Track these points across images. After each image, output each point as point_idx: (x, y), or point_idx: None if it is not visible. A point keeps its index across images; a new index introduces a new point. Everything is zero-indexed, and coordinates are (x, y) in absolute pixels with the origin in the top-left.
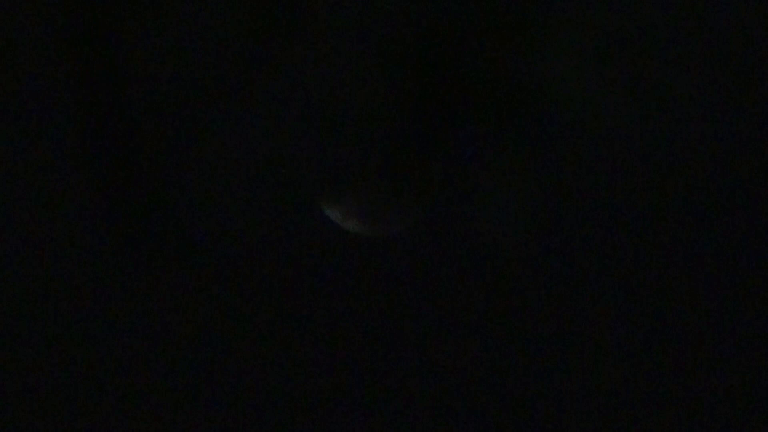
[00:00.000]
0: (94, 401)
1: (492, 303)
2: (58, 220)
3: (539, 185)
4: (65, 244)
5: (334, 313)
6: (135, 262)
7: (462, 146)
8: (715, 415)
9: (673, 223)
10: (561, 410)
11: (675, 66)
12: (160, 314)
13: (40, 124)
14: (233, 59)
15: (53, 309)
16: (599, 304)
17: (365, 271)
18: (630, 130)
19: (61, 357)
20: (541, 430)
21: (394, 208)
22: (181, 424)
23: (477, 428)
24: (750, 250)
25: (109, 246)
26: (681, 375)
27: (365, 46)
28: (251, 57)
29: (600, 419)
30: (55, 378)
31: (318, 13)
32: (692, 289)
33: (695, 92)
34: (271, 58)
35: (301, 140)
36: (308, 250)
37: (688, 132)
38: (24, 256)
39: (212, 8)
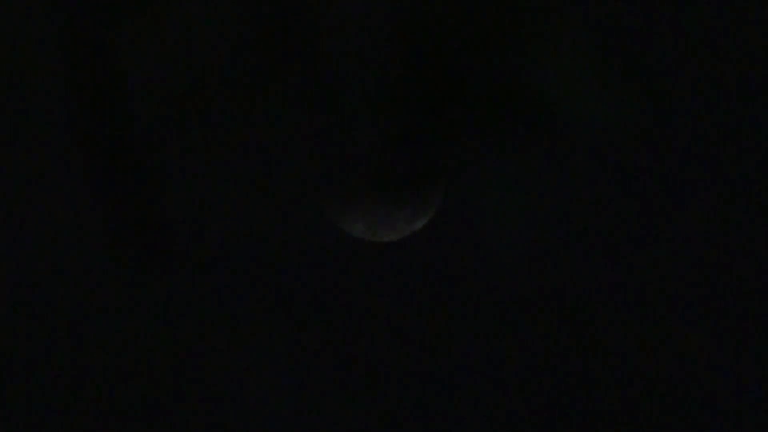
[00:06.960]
0: (94, 402)
1: (496, 305)
2: (56, 221)
3: (538, 186)
4: (63, 245)
5: (339, 318)
6: (131, 265)
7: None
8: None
9: (672, 222)
10: (563, 410)
11: (674, 65)
12: (157, 317)
13: (37, 124)
14: (235, 58)
15: (51, 309)
16: (599, 303)
17: (370, 276)
18: (628, 129)
19: (59, 358)
20: (542, 430)
21: (398, 212)
22: (179, 426)
23: (479, 429)
24: (750, 251)
25: (106, 248)
26: (680, 372)
27: (366, 47)
28: (253, 56)
29: (600, 419)
30: (54, 379)
31: (318, 14)
32: (691, 289)
33: (695, 92)
34: (274, 57)
35: (305, 144)
36: (311, 254)
37: (687, 131)
38: (22, 256)
39: (213, 7)
